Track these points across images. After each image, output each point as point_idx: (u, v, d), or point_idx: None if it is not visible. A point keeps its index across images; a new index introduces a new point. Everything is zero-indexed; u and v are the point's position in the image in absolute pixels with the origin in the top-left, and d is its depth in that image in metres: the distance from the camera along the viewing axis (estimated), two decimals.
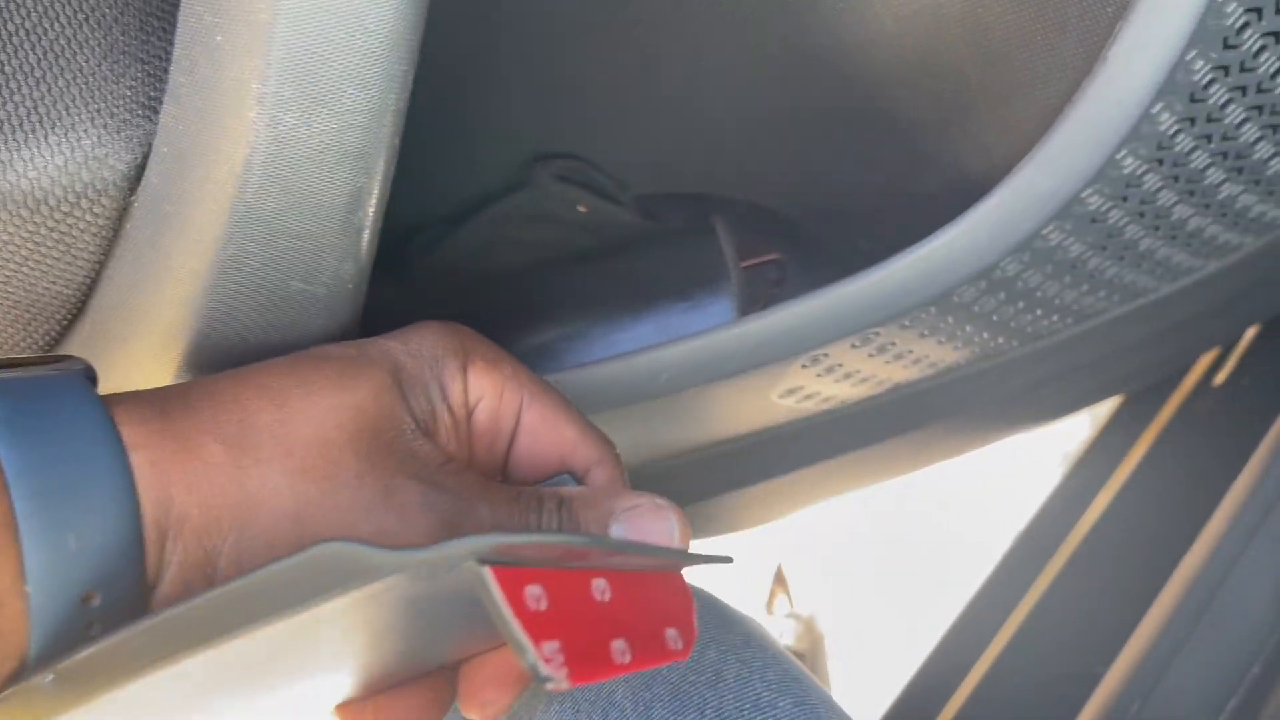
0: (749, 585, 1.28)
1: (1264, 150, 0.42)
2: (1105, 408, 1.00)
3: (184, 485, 0.27)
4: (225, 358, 0.34)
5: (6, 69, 0.31)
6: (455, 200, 0.52)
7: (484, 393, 0.33)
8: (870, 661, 1.22)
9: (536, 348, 0.50)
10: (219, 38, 0.27)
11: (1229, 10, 0.36)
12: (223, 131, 0.29)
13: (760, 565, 1.29)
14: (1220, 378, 0.98)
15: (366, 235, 0.32)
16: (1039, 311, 0.49)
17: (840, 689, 1.23)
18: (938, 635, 0.91)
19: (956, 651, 0.92)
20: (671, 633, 0.27)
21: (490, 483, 0.31)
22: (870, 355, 0.47)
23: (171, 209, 0.31)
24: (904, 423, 0.58)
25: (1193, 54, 0.36)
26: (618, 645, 0.24)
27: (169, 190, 0.31)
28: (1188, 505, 0.88)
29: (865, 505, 1.28)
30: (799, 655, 1.22)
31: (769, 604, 1.29)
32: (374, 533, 0.28)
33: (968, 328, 0.47)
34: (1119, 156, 0.39)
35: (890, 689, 0.90)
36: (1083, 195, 0.40)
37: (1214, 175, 0.43)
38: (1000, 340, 0.51)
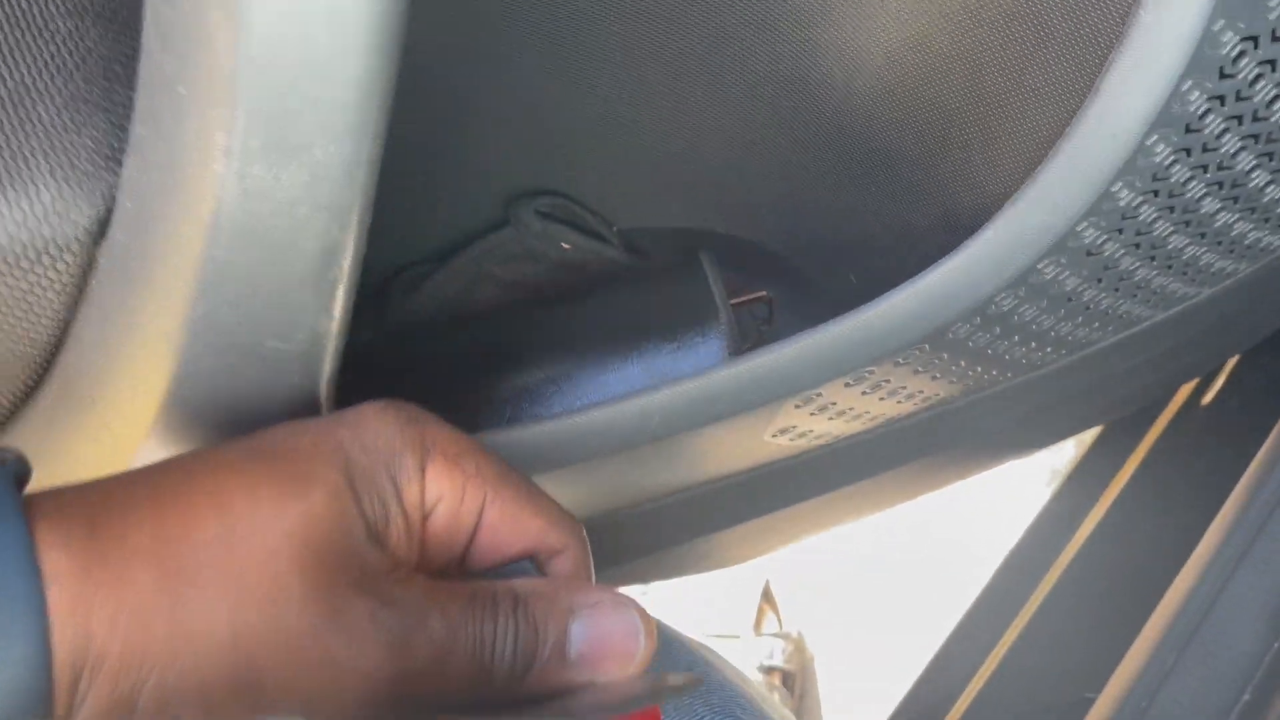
0: (736, 603, 1.27)
1: (1260, 178, 0.42)
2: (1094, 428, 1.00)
3: (107, 620, 0.25)
4: (197, 418, 0.33)
5: None
6: (436, 240, 0.51)
7: (443, 494, 0.31)
8: (859, 683, 1.20)
9: (521, 390, 0.48)
10: (181, 88, 0.26)
11: (1225, 39, 0.35)
12: (189, 185, 0.27)
13: (748, 583, 1.28)
14: (1208, 398, 0.98)
15: (342, 290, 0.31)
16: (1033, 344, 0.48)
17: (829, 711, 1.21)
18: (927, 657, 0.90)
19: (946, 675, 0.91)
20: None
21: (441, 586, 0.29)
22: (864, 393, 0.46)
23: (138, 266, 0.30)
24: (896, 457, 0.57)
25: (1188, 84, 0.36)
26: None
27: (135, 247, 0.30)
28: (1176, 527, 0.87)
29: (854, 524, 1.27)
30: (788, 675, 1.21)
31: (757, 623, 1.27)
32: (321, 658, 0.26)
33: (961, 362, 0.46)
34: (1114, 189, 0.38)
35: (879, 712, 0.89)
36: (1078, 229, 0.39)
37: (1210, 204, 0.42)
38: (994, 373, 0.50)
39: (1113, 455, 0.99)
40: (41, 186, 0.29)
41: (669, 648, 0.41)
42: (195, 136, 0.26)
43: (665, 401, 0.42)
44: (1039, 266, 0.41)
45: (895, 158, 0.44)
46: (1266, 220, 0.45)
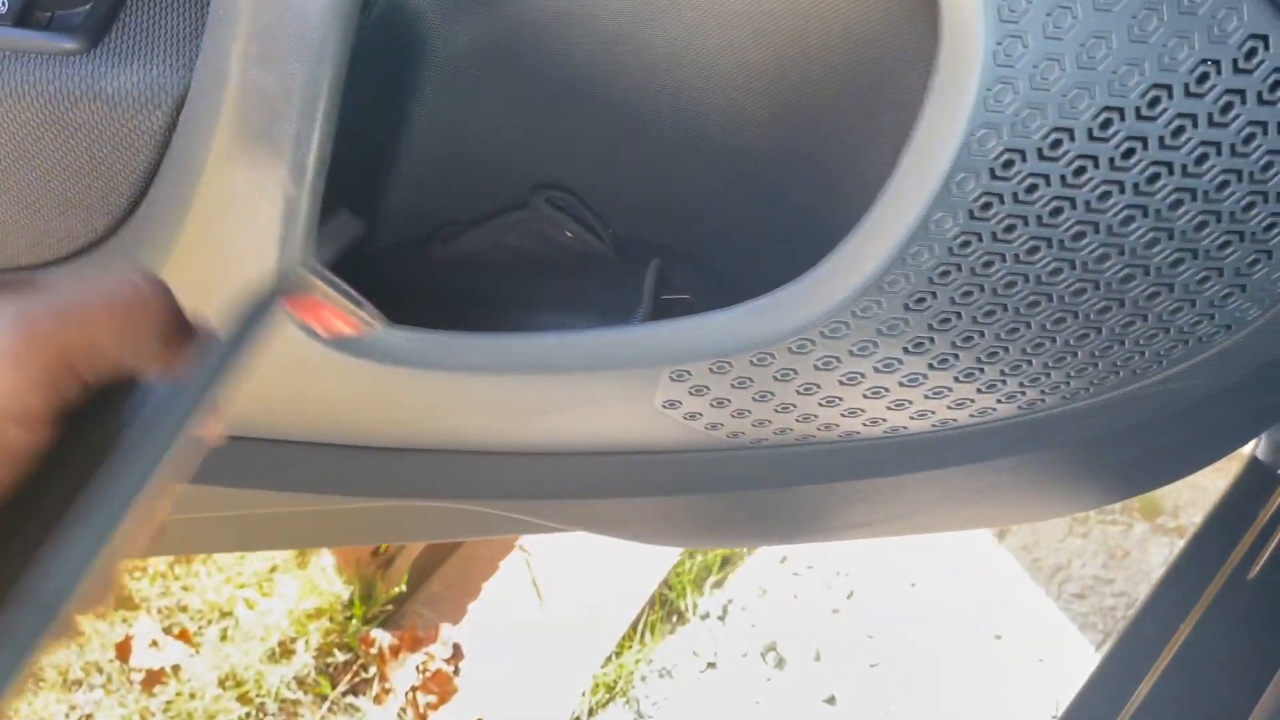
0: None
1: (1066, 281, 0.50)
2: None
3: None
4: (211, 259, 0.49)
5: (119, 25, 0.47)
6: (472, 208, 0.66)
7: None
8: None
9: (499, 326, 0.63)
10: (221, 11, 0.43)
11: (990, 146, 0.45)
12: (219, 78, 0.44)
13: None
14: (1253, 573, 0.98)
15: (310, 170, 0.46)
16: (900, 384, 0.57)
17: None
18: None
19: None
20: None
21: None
22: (733, 386, 0.57)
23: (197, 130, 0.46)
24: (803, 474, 0.66)
25: (961, 175, 0.46)
26: None
27: (195, 116, 0.46)
28: (1220, 703, 0.89)
29: (909, 691, 1.31)
30: None
31: None
32: None
33: (822, 385, 0.56)
34: (911, 253, 0.48)
35: None
36: (886, 279, 0.50)
37: (1020, 294, 0.51)
38: (881, 410, 0.59)
39: (1158, 626, 1.01)
40: (152, 63, 0.47)
41: None
42: (223, 45, 0.43)
43: (566, 343, 0.55)
44: (854, 310, 0.51)
45: (771, 163, 0.56)
46: (1097, 331, 0.53)
